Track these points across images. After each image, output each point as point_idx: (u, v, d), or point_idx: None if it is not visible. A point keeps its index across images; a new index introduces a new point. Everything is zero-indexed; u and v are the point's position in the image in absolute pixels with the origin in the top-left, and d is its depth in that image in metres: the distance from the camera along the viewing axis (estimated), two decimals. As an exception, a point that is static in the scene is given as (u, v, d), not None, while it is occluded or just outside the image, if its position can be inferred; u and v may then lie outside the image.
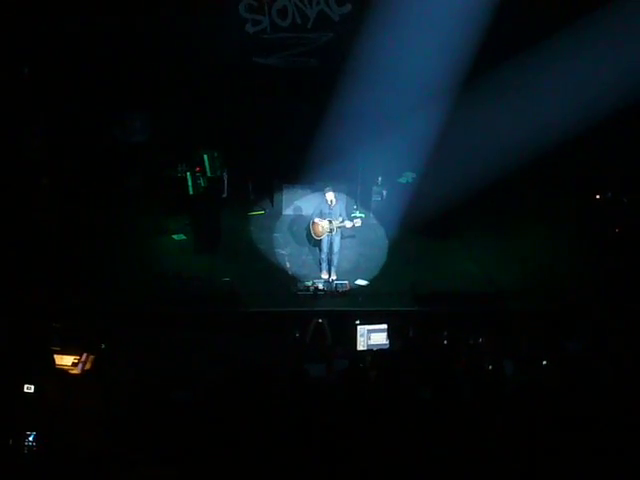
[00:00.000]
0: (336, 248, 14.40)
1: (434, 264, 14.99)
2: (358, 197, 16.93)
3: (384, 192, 16.74)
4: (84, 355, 9.68)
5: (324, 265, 14.55)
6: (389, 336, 10.90)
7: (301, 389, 8.15)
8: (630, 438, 7.06)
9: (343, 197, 15.50)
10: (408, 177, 16.35)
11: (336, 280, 14.35)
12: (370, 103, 15.73)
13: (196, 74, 15.97)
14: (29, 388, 7.87)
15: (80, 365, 9.59)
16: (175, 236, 15.63)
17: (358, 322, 10.91)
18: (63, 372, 9.20)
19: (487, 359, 9.22)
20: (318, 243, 14.61)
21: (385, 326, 10.89)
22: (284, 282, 14.36)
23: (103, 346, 9.82)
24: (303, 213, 16.34)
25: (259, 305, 13.39)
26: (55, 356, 9.46)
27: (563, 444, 7.01)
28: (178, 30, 15.41)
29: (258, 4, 15.83)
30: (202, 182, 15.61)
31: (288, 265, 14.93)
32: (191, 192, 15.64)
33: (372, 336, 10.87)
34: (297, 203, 16.71)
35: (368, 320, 11.13)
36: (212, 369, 9.20)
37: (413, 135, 15.33)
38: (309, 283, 14.11)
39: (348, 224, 14.22)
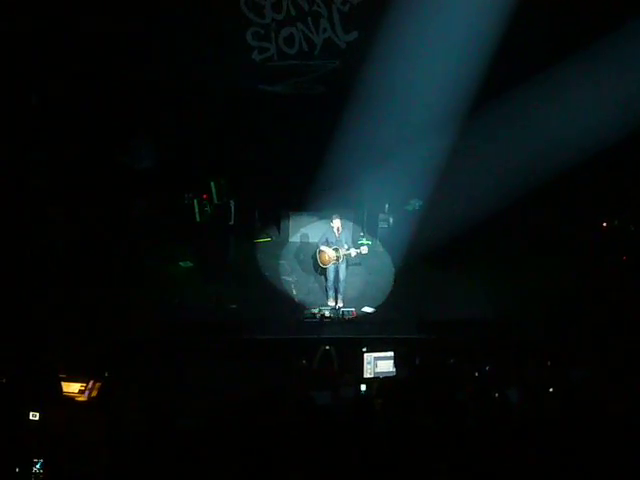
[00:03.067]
0: (342, 276, 14.41)
1: (440, 291, 14.96)
2: (364, 224, 16.97)
3: (390, 219, 16.73)
4: (91, 382, 9.65)
5: (330, 293, 14.55)
6: (395, 364, 10.86)
7: (307, 416, 8.13)
8: (636, 466, 7.02)
9: (349, 225, 15.52)
10: (415, 204, 16.39)
11: (343, 307, 14.35)
12: (377, 130, 15.82)
13: (203, 101, 16.06)
14: (34, 415, 7.85)
15: (87, 392, 9.56)
16: (182, 263, 15.65)
17: (365, 349, 10.88)
18: (70, 399, 9.18)
19: (493, 387, 9.18)
20: (324, 271, 14.61)
21: (392, 354, 10.82)
22: (291, 309, 14.37)
23: (107, 374, 9.78)
24: (310, 240, 16.35)
25: (266, 332, 13.39)
26: (62, 383, 9.45)
27: (569, 473, 6.97)
28: (185, 57, 15.55)
29: (265, 32, 15.94)
30: (209, 209, 15.69)
31: (294, 292, 14.91)
32: (198, 219, 15.71)
33: (379, 364, 10.79)
34: (303, 230, 16.72)
35: (375, 348, 11.09)
36: (218, 396, 9.18)
37: (420, 162, 15.37)
38: (316, 310, 14.12)
39: (353, 252, 14.23)
